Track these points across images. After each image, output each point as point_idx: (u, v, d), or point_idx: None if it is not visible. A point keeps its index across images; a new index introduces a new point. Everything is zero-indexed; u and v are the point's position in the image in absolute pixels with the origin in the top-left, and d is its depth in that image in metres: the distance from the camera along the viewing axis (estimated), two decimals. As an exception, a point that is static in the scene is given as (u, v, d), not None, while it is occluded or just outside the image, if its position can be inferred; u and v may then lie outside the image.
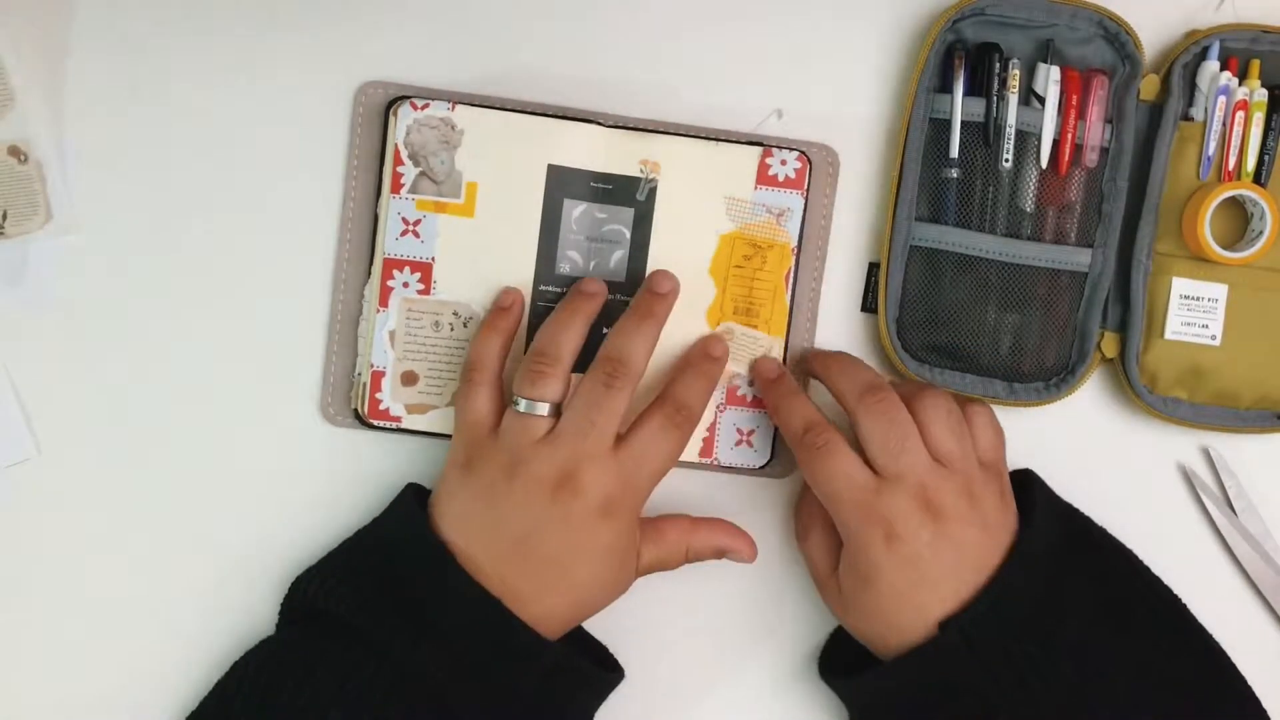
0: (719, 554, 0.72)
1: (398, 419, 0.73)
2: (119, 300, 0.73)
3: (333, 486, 0.74)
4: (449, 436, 0.73)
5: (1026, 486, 0.72)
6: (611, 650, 0.73)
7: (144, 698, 0.74)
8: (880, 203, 0.76)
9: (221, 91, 0.74)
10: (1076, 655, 0.66)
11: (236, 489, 0.74)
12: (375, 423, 0.73)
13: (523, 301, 0.72)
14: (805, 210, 0.74)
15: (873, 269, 0.76)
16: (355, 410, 0.74)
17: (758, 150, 0.74)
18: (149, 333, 0.74)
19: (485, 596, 0.65)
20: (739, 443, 0.75)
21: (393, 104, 0.73)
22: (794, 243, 0.74)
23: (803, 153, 0.74)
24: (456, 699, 0.65)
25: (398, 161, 0.72)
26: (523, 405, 0.67)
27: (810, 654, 0.76)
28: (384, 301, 0.73)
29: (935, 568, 0.66)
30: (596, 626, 0.71)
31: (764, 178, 0.74)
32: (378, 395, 0.73)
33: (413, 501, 0.70)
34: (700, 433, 0.74)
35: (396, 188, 0.72)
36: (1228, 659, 0.69)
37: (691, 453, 0.74)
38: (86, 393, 0.73)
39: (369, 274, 0.73)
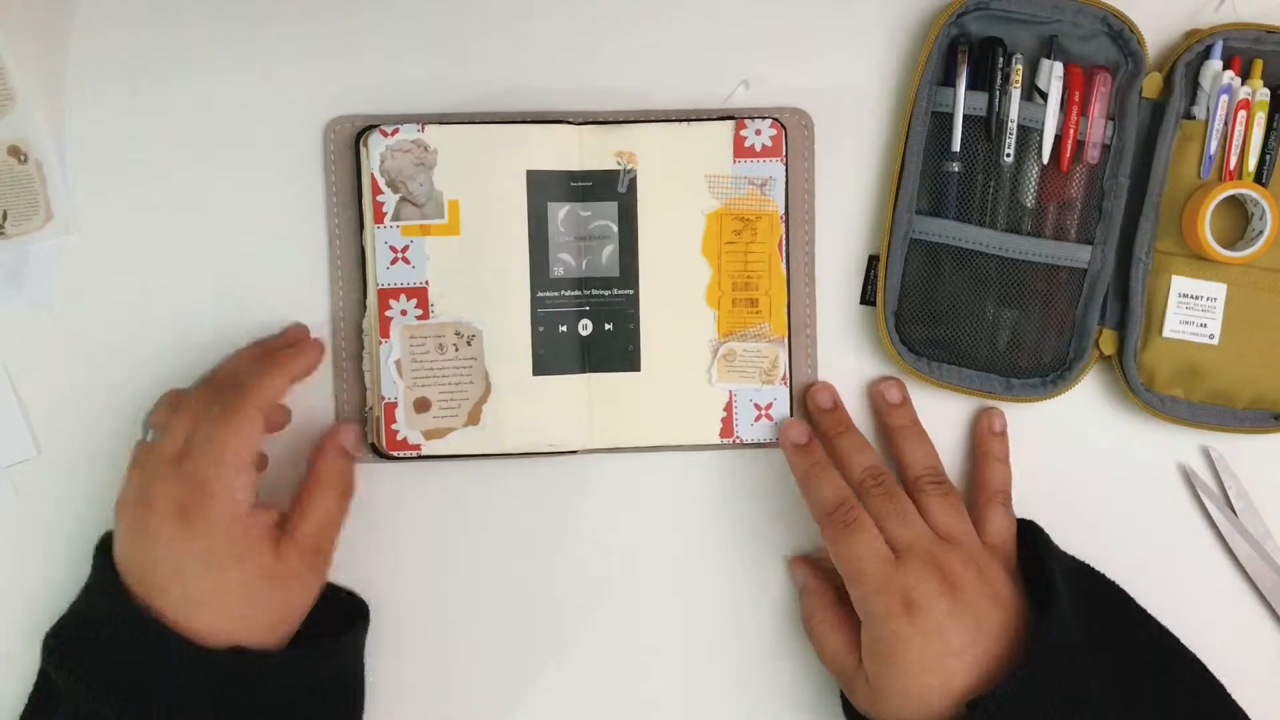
0: (343, 451, 0.72)
1: (416, 447, 0.73)
2: (119, 300, 0.74)
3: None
4: (470, 457, 0.73)
5: (1033, 544, 0.72)
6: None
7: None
8: (877, 196, 0.76)
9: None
10: None
11: None
12: (395, 454, 0.73)
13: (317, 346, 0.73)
14: (787, 176, 0.74)
15: (872, 261, 0.76)
16: (373, 444, 0.74)
17: (730, 124, 0.74)
18: (149, 333, 0.74)
19: (135, 609, 0.66)
20: (758, 418, 0.75)
21: (362, 134, 0.73)
22: (781, 210, 0.74)
23: (775, 119, 0.74)
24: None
25: (376, 190, 0.72)
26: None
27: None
28: (385, 332, 0.73)
29: (957, 637, 0.66)
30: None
31: (741, 150, 0.74)
32: (393, 426, 0.73)
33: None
34: (719, 413, 0.75)
35: (379, 217, 0.72)
36: (1229, 696, 0.71)
37: (712, 433, 0.75)
38: (86, 393, 0.74)
39: (365, 307, 0.74)
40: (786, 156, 0.74)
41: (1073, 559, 0.73)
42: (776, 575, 0.76)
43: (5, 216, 0.71)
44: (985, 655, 0.66)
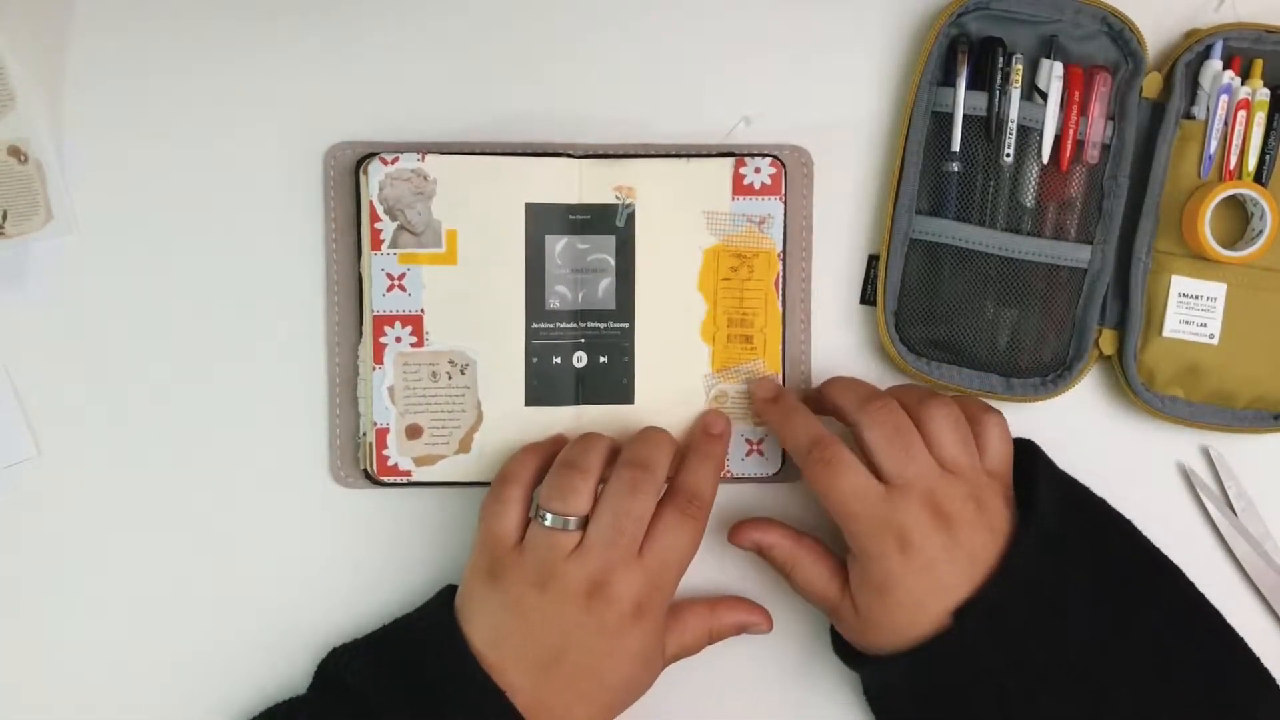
0: (739, 631, 0.73)
1: (407, 473, 0.73)
2: (119, 300, 0.74)
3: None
4: (460, 484, 0.73)
5: (1028, 458, 0.72)
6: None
7: (141, 701, 0.74)
8: (877, 196, 0.76)
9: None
10: (1087, 634, 0.66)
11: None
12: (385, 479, 0.73)
13: (566, 439, 0.73)
14: (785, 214, 0.74)
15: (872, 261, 0.76)
16: (365, 470, 0.74)
17: (730, 161, 0.74)
18: (148, 333, 0.74)
19: (496, 692, 0.65)
20: (749, 453, 0.75)
21: (362, 161, 0.73)
22: (779, 248, 0.74)
23: (775, 157, 0.74)
24: None
25: (374, 218, 0.72)
26: (550, 520, 0.67)
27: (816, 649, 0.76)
28: (379, 359, 0.73)
29: (950, 573, 0.67)
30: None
31: (740, 187, 0.74)
32: (384, 452, 0.73)
33: (447, 598, 0.70)
34: (702, 405, 0.75)
35: (377, 244, 0.72)
36: (1220, 616, 0.70)
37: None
38: (86, 393, 0.74)
39: (360, 333, 0.74)
40: (785, 195, 0.74)
41: (1066, 476, 0.72)
42: (768, 607, 0.75)
43: (5, 216, 0.71)
44: (977, 586, 0.67)
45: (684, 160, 0.74)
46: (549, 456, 0.71)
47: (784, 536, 0.72)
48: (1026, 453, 0.72)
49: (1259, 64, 0.73)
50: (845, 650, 0.73)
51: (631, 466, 0.68)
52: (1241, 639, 0.69)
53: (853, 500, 0.67)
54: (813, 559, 0.71)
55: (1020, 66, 0.73)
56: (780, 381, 0.75)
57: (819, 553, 0.71)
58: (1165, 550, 0.71)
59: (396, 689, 0.66)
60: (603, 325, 0.74)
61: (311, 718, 0.69)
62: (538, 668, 0.66)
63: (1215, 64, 0.73)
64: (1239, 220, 0.75)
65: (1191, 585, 0.70)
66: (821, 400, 0.73)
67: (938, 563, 0.66)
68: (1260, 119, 0.73)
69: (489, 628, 0.67)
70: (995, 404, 0.75)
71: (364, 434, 0.74)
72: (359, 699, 0.67)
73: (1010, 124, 0.73)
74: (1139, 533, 0.71)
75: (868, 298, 0.76)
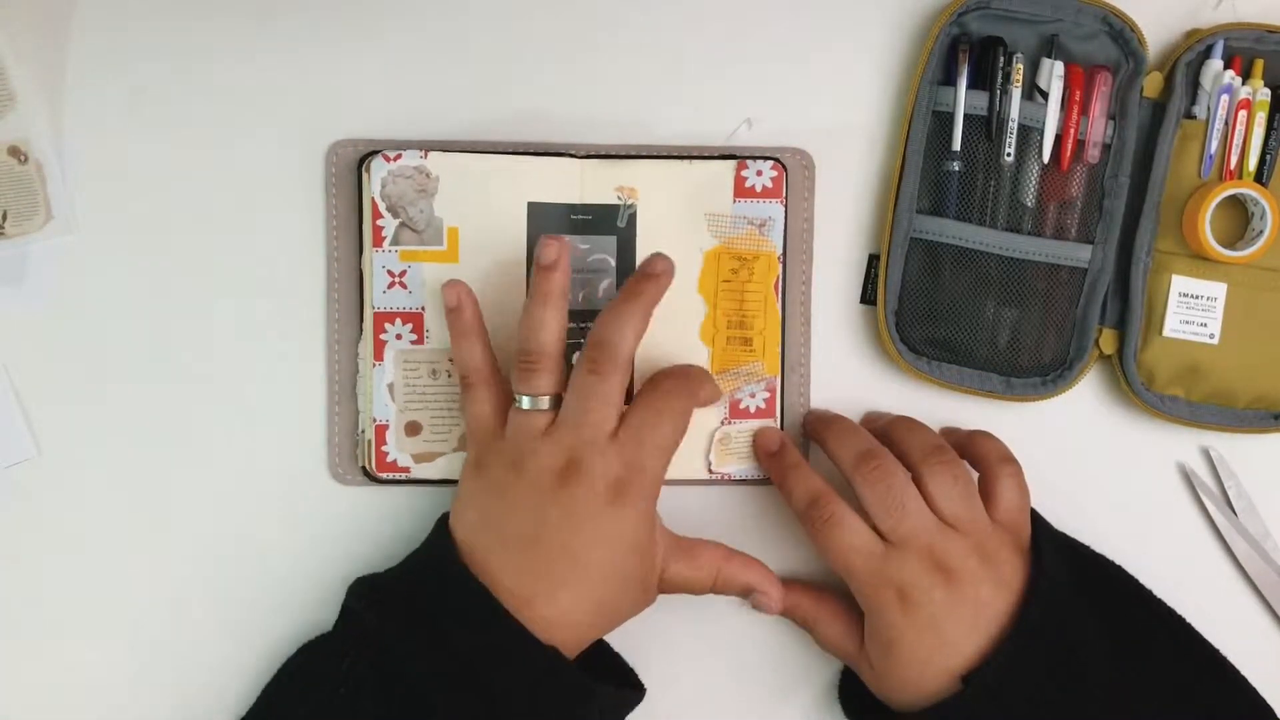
0: (746, 590, 0.71)
1: (406, 470, 0.73)
2: (119, 300, 0.74)
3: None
4: (458, 482, 0.73)
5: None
6: (634, 666, 0.73)
7: (140, 698, 0.74)
8: (878, 195, 0.76)
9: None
10: (1098, 695, 0.66)
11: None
12: (384, 476, 0.74)
13: (468, 293, 0.71)
14: (786, 217, 0.74)
15: (873, 261, 0.76)
16: (363, 467, 0.74)
17: (732, 163, 0.74)
18: (149, 333, 0.74)
19: (481, 590, 0.65)
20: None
21: (365, 159, 0.73)
22: (779, 251, 0.74)
23: (777, 160, 0.74)
24: (442, 702, 0.64)
25: (376, 215, 0.72)
26: (525, 402, 0.68)
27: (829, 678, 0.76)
28: (379, 355, 0.73)
29: (954, 628, 0.67)
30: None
31: (741, 190, 0.74)
32: (383, 449, 0.73)
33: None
34: (706, 448, 0.75)
35: (378, 241, 0.73)
36: (1239, 675, 0.70)
37: (699, 468, 0.75)
38: (86, 393, 0.74)
39: (361, 330, 0.74)
40: (786, 198, 0.74)
41: (1067, 537, 0.73)
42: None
43: (5, 216, 0.72)
44: (987, 641, 0.66)
45: (686, 162, 0.74)
46: (476, 329, 0.70)
47: (804, 596, 0.73)
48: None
49: (1259, 64, 0.73)
50: (851, 711, 0.74)
51: (591, 347, 0.68)
52: (1247, 683, 0.70)
53: (851, 556, 0.68)
54: (831, 616, 0.72)
55: (1021, 66, 0.73)
56: (782, 432, 0.75)
57: (838, 609, 0.72)
58: (1165, 550, 0.72)
59: (398, 605, 0.66)
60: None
61: (328, 640, 0.69)
62: (516, 550, 0.66)
63: (1216, 64, 0.73)
64: (1239, 220, 0.74)
65: (1199, 635, 0.70)
66: (816, 440, 0.74)
67: (940, 619, 0.66)
68: (1261, 119, 0.73)
69: (474, 513, 0.67)
70: (995, 404, 0.75)
71: (363, 431, 0.74)
72: (360, 615, 0.67)
73: (1011, 123, 0.73)
74: (1144, 587, 0.72)
75: (868, 297, 0.76)
